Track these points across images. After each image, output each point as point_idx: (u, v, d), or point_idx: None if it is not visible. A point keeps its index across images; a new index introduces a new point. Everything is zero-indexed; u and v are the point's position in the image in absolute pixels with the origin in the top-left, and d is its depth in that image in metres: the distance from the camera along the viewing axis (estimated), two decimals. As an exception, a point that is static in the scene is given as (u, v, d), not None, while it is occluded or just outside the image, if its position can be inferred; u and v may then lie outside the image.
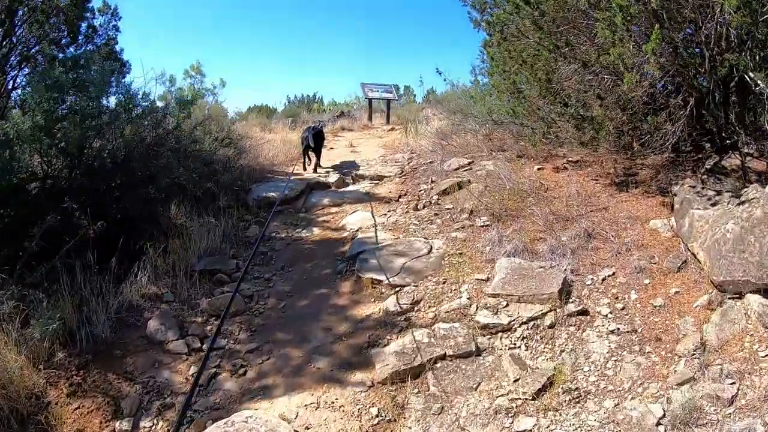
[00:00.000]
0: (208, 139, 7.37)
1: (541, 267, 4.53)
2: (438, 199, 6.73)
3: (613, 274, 4.48)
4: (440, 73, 10.57)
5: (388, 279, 4.75)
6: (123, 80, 6.69)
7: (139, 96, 5.46)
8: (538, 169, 7.33)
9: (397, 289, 4.66)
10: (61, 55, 9.35)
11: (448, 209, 6.29)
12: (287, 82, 62.94)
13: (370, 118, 16.73)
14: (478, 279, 4.60)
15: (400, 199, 7.01)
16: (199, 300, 4.99)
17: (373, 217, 6.42)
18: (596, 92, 5.70)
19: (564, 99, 6.44)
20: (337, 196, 7.39)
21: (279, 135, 13.53)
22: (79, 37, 10.25)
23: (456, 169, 7.95)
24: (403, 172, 8.28)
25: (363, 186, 7.78)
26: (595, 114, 6.00)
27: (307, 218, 6.91)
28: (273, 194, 7.20)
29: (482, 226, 5.59)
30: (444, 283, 4.65)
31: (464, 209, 6.14)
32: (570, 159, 7.64)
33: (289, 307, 4.83)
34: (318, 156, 9.25)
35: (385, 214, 6.49)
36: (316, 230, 6.47)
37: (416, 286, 4.65)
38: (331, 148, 11.32)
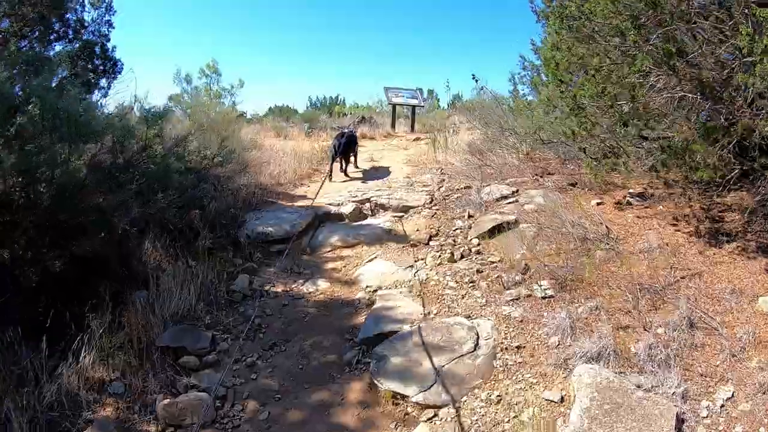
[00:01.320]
0: (196, 157, 5.93)
1: (638, 386, 3.01)
2: (479, 244, 5.23)
3: (732, 396, 2.99)
4: (476, 80, 9.00)
5: (416, 394, 3.25)
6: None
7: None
8: (597, 204, 5.81)
9: (430, 412, 3.14)
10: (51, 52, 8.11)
11: (494, 263, 4.78)
12: (310, 81, 61.64)
13: (393, 126, 15.24)
14: (548, 400, 3.08)
15: (431, 242, 5.50)
16: (156, 395, 3.56)
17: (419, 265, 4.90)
18: (706, 123, 4.14)
19: (649, 125, 4.91)
20: (351, 234, 5.90)
21: (292, 143, 12.08)
22: (69, 32, 8.93)
23: (498, 200, 6.44)
24: (432, 200, 6.76)
25: (384, 219, 6.26)
26: (696, 148, 4.45)
27: (311, 263, 5.44)
28: (271, 229, 5.74)
29: (544, 297, 4.07)
30: (498, 403, 3.13)
31: (515, 264, 4.63)
32: (632, 191, 6.13)
33: (275, 421, 3.34)
34: (347, 162, 8.75)
35: (412, 266, 4.98)
36: (321, 283, 5.00)
37: (457, 407, 3.12)
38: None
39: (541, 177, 7.48)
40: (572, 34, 4.74)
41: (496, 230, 5.39)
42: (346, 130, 9.22)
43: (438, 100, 27.09)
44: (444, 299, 4.27)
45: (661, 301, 3.91)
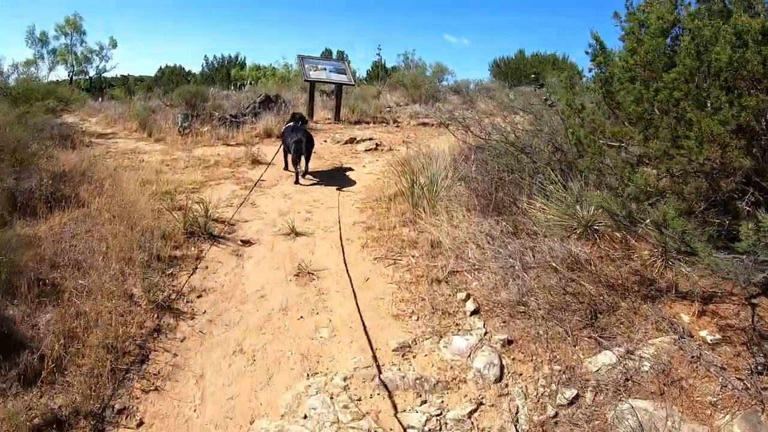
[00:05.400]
0: None
1: None
2: None
3: None
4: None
5: None
6: None
7: None
8: None
9: None
10: None
11: None
12: (208, 40, 51.63)
13: (310, 112, 9.57)
14: None
15: None
16: None
17: None
18: None
19: None
20: None
21: (153, 155, 6.10)
22: None
23: None
24: None
25: None
26: None
27: None
28: None
29: None
30: None
31: None
32: None
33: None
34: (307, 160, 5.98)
35: None
36: None
37: None
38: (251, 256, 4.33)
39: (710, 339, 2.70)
40: None
41: None
42: (297, 114, 6.50)
43: (349, 63, 21.18)
44: None
45: None
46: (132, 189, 4.75)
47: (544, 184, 4.30)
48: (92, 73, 17.53)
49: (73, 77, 16.91)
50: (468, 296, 3.19)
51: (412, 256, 3.74)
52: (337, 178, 5.98)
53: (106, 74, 17.98)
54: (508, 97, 12.96)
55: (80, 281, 3.10)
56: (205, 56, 25.00)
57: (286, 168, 6.15)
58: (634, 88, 3.57)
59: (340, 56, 20.80)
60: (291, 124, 6.14)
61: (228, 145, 7.69)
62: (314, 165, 6.58)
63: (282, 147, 6.20)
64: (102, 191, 4.72)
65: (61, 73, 17.98)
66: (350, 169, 6.44)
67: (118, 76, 21.00)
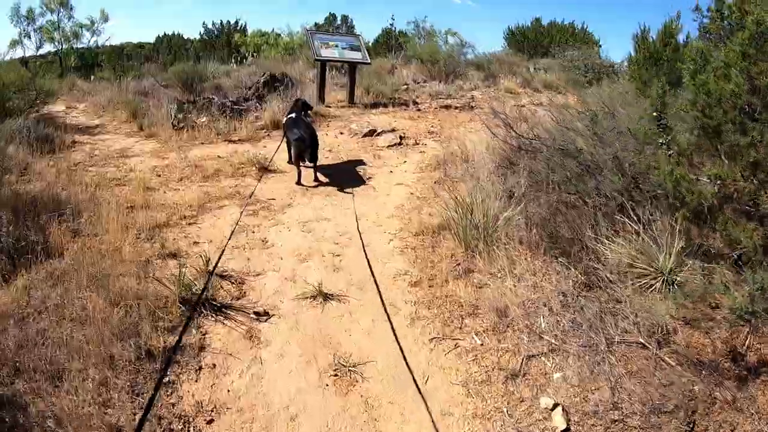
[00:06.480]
0: None
1: None
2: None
3: None
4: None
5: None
6: None
7: None
8: None
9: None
10: None
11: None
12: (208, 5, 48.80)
13: (320, 95, 8.44)
14: None
15: None
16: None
17: None
18: None
19: None
20: None
21: (144, 159, 4.96)
22: None
23: None
24: None
25: None
26: None
27: None
28: None
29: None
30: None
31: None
32: None
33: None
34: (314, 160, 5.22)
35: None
36: None
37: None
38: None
39: None
40: None
41: None
42: (300, 101, 5.76)
43: (352, 27, 19.53)
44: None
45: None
46: (114, 225, 3.82)
47: (611, 213, 3.47)
48: (83, 48, 16.14)
49: (61, 55, 15.57)
50: (555, 405, 2.35)
51: (476, 333, 2.86)
52: (361, 190, 5.03)
53: (101, 46, 16.53)
54: (529, 72, 11.76)
55: (50, 402, 2.25)
56: (204, 22, 23.30)
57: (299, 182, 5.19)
58: (753, 128, 2.64)
59: (344, 20, 19.25)
60: (293, 115, 5.33)
61: (230, 141, 6.67)
62: (331, 164, 5.63)
63: (285, 142, 5.56)
64: (78, 230, 3.81)
65: (50, 50, 16.65)
66: (375, 176, 5.47)
67: (115, 45, 19.45)
